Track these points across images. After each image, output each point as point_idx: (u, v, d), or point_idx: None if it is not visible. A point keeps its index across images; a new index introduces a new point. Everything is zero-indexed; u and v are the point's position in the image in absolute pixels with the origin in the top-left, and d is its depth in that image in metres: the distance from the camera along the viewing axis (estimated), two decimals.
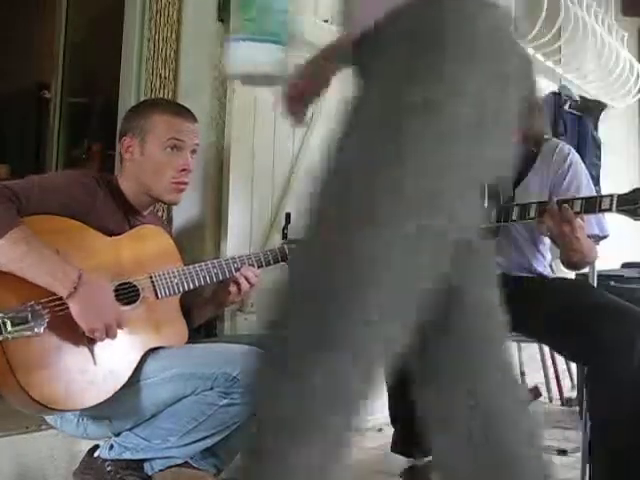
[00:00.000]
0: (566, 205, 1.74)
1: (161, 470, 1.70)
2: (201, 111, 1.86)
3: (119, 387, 1.56)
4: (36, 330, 1.46)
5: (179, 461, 1.69)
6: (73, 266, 1.52)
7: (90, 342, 1.53)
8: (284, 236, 2.13)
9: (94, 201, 1.66)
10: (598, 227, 2.01)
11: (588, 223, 1.97)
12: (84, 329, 1.52)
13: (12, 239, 1.44)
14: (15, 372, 1.43)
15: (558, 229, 1.77)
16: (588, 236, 1.98)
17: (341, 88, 2.81)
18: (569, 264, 2.04)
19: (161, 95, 2.27)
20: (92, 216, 1.63)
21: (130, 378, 1.59)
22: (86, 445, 1.78)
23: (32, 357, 1.46)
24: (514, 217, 1.85)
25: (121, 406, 1.59)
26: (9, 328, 1.43)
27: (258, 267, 1.85)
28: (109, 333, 1.55)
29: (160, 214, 2.13)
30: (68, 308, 1.51)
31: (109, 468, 1.69)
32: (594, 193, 2.04)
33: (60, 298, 1.51)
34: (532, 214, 1.82)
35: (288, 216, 2.37)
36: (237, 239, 2.22)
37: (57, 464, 1.86)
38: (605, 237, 2.08)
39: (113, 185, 1.75)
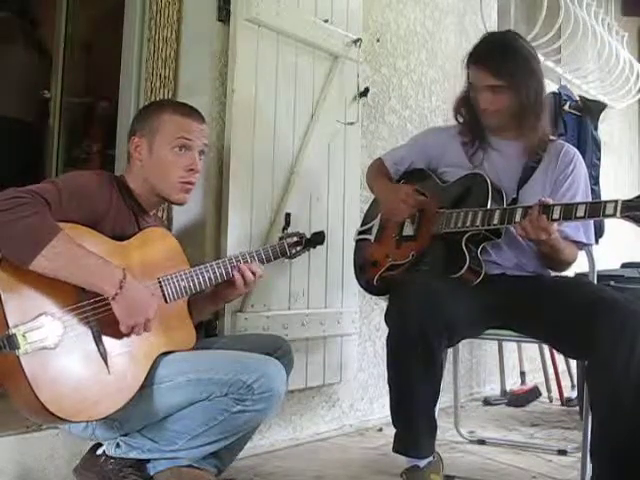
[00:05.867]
0: (544, 215, 1.76)
1: (163, 470, 1.70)
2: (201, 111, 1.85)
3: (132, 395, 1.56)
4: (52, 342, 1.45)
5: (183, 462, 1.70)
6: (116, 266, 1.53)
7: (103, 351, 1.53)
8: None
9: (110, 202, 1.66)
10: (585, 235, 2.02)
11: (575, 229, 1.98)
12: (124, 325, 1.53)
13: (55, 247, 1.44)
14: (33, 386, 1.41)
15: (535, 235, 1.79)
16: (573, 242, 1.99)
17: (341, 88, 2.80)
18: (544, 265, 2.06)
19: (161, 95, 2.27)
20: (108, 217, 1.64)
21: (143, 383, 1.59)
22: (86, 446, 1.78)
23: (49, 370, 1.45)
24: (517, 219, 1.85)
25: (133, 410, 1.59)
26: (26, 341, 1.42)
27: (260, 264, 1.87)
28: (147, 327, 1.56)
29: (160, 214, 2.13)
30: (100, 310, 1.52)
31: (111, 466, 1.69)
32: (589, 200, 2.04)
33: (96, 302, 1.52)
34: None
35: (288, 216, 2.37)
36: (237, 239, 2.22)
37: (57, 464, 1.85)
38: (590, 245, 2.09)
39: (123, 185, 1.76)
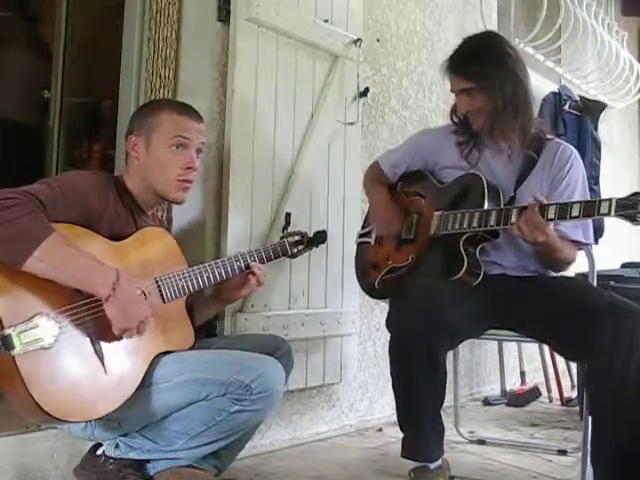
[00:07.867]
0: (540, 215, 1.76)
1: (162, 470, 1.70)
2: (201, 111, 1.85)
3: (129, 395, 1.55)
4: (47, 342, 1.44)
5: (183, 462, 1.70)
6: (110, 267, 1.51)
7: (100, 351, 1.52)
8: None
9: (107, 203, 1.66)
10: (583, 234, 2.01)
11: (573, 228, 1.97)
12: (117, 328, 1.51)
13: (47, 248, 1.43)
14: (28, 386, 1.40)
15: (531, 235, 1.79)
16: (571, 241, 1.98)
17: (341, 88, 2.81)
18: (542, 266, 2.05)
19: (161, 95, 2.27)
20: (104, 218, 1.64)
21: (141, 383, 1.58)
22: (86, 446, 1.78)
23: (44, 370, 1.44)
24: (513, 219, 1.85)
25: (132, 410, 1.59)
26: (21, 341, 1.41)
27: (260, 263, 1.87)
28: (140, 330, 1.55)
29: (160, 214, 2.12)
30: (95, 310, 1.51)
31: (111, 466, 1.69)
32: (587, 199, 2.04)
33: (92, 302, 1.50)
34: None
35: (288, 216, 2.36)
36: (237, 239, 2.22)
37: (57, 464, 1.85)
38: (588, 244, 2.09)
39: (120, 185, 1.75)
